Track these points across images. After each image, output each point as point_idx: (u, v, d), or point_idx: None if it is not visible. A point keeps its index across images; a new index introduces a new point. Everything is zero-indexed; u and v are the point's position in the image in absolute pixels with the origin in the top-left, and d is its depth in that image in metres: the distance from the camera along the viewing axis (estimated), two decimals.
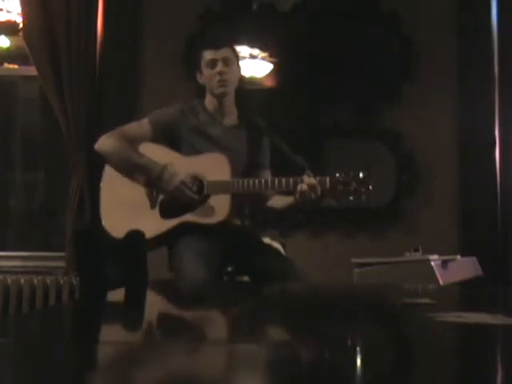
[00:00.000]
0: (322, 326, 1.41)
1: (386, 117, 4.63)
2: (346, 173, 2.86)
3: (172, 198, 2.99)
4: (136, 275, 2.29)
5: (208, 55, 3.09)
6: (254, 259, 3.03)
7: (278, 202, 3.11)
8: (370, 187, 2.85)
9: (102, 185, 3.17)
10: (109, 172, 3.14)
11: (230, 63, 3.09)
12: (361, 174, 2.85)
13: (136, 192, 3.05)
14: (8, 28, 4.67)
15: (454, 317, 1.38)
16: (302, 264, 3.00)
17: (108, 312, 1.74)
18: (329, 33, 4.68)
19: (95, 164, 3.56)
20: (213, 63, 3.07)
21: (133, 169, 3.05)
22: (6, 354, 1.05)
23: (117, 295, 2.02)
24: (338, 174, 2.86)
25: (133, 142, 3.06)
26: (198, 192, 2.98)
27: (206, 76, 3.10)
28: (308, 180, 2.83)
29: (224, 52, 3.09)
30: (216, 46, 3.10)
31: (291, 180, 2.89)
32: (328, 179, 2.86)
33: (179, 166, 3.01)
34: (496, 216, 4.52)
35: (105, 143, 3.07)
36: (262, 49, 4.62)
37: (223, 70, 3.06)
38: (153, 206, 3.04)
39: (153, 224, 2.94)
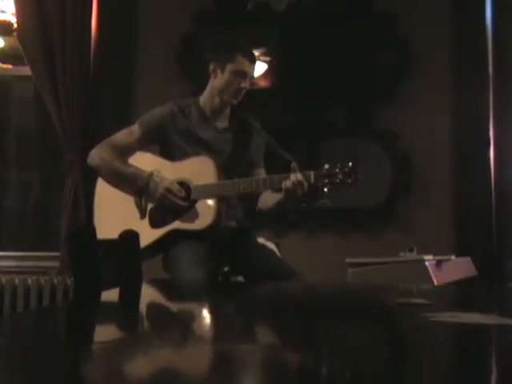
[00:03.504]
0: (315, 326, 1.41)
1: (383, 117, 4.62)
2: (332, 165, 2.82)
3: (160, 206, 2.99)
4: (130, 275, 2.28)
5: (242, 65, 3.04)
6: (248, 259, 3.03)
7: (267, 201, 3.10)
8: (357, 178, 2.80)
9: (95, 195, 3.19)
10: (100, 185, 3.16)
11: (251, 82, 3.10)
12: (347, 166, 2.80)
13: (126, 203, 3.06)
14: (2, 28, 4.66)
15: (448, 317, 1.38)
16: (296, 264, 2.99)
17: (102, 312, 1.73)
18: (324, 33, 4.68)
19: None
20: (242, 75, 3.03)
21: (121, 180, 3.05)
22: (0, 354, 1.05)
23: (111, 295, 2.02)
24: (326, 166, 2.83)
25: (123, 151, 3.07)
26: (186, 197, 2.97)
27: (225, 79, 3.05)
28: (293, 177, 2.79)
29: (254, 69, 3.09)
30: (252, 60, 3.08)
31: (276, 178, 2.87)
32: (312, 174, 2.82)
33: (166, 172, 3.00)
34: (491, 216, 4.52)
35: (95, 156, 3.08)
36: (257, 49, 4.61)
37: (246, 87, 3.06)
38: (142, 216, 3.04)
39: (143, 234, 2.87)
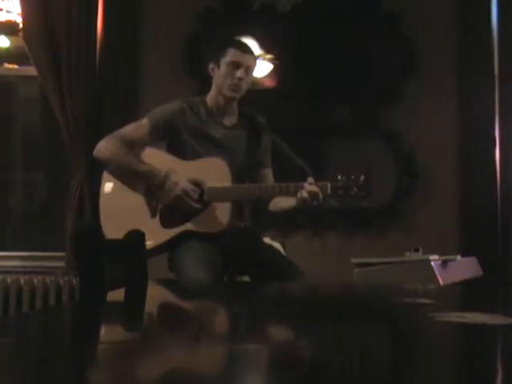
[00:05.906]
0: (321, 326, 1.41)
1: (386, 117, 4.62)
2: (347, 177, 2.86)
3: (173, 206, 2.96)
4: (136, 275, 2.29)
5: (234, 56, 3.04)
6: (254, 259, 3.03)
7: (278, 204, 3.10)
8: (369, 191, 2.87)
9: (100, 194, 3.12)
10: (107, 180, 3.10)
11: (249, 72, 3.08)
12: (361, 178, 2.86)
13: (136, 201, 3.01)
14: (8, 28, 4.67)
15: (454, 317, 1.38)
16: (302, 264, 2.99)
17: (108, 312, 1.74)
18: (329, 33, 4.68)
19: (95, 163, 3.54)
20: (236, 66, 3.03)
21: (134, 176, 3.00)
22: (6, 354, 1.05)
23: (117, 295, 2.02)
24: (339, 177, 2.86)
25: (132, 145, 3.02)
26: (199, 198, 2.96)
27: (222, 73, 3.05)
28: (309, 188, 2.81)
29: (249, 59, 3.07)
30: (245, 50, 3.07)
31: (292, 186, 2.88)
32: (329, 185, 2.85)
33: (179, 171, 2.97)
34: (496, 216, 4.51)
35: (103, 149, 3.01)
36: (262, 49, 4.61)
37: (243, 77, 3.04)
38: (153, 215, 3.00)
39: (154, 234, 2.87)
